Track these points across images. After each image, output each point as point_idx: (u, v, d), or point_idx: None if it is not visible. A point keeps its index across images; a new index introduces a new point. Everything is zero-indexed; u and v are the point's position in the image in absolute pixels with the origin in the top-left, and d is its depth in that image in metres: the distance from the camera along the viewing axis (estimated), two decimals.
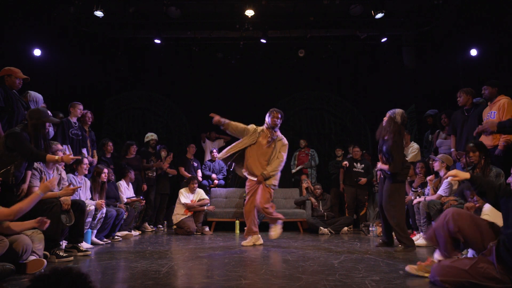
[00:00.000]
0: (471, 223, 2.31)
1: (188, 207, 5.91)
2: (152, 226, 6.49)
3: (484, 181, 2.36)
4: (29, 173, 3.51)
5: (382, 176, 4.27)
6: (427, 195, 4.87)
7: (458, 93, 4.75)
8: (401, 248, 3.92)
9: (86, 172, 4.55)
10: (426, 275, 2.50)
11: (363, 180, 6.46)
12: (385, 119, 4.12)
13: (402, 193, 4.16)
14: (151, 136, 6.77)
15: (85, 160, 4.50)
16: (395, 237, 4.23)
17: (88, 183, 4.62)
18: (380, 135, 4.19)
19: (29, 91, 4.44)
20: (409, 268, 2.63)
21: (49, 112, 3.70)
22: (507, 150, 3.99)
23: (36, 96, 4.48)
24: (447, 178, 4.53)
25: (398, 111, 4.07)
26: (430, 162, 5.07)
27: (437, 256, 2.53)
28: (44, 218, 2.77)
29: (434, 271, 2.29)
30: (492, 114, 4.18)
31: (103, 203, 4.45)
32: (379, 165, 4.20)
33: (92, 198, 4.60)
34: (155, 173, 6.60)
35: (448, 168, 4.79)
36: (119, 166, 6.11)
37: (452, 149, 4.93)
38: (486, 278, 2.03)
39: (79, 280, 1.13)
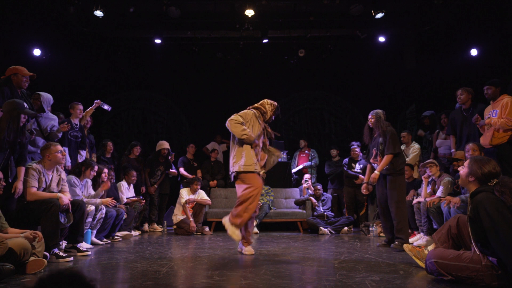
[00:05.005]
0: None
1: (185, 209, 5.90)
2: (161, 226, 6.49)
3: None
4: (22, 169, 3.39)
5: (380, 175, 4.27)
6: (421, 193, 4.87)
7: (460, 91, 4.74)
8: (398, 244, 3.95)
9: (91, 178, 4.57)
10: (416, 260, 2.86)
11: (360, 179, 6.43)
12: (372, 120, 4.31)
13: (403, 185, 4.22)
14: (164, 144, 6.62)
15: (96, 168, 4.53)
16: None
17: (90, 182, 4.63)
18: (369, 135, 4.36)
19: (39, 93, 4.43)
20: (405, 246, 2.99)
21: (25, 104, 3.49)
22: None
23: (48, 97, 4.50)
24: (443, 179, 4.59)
25: (379, 110, 4.34)
26: (423, 169, 5.00)
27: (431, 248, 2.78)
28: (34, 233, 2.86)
29: (430, 254, 2.51)
30: (494, 113, 4.20)
31: (109, 201, 4.50)
32: (375, 165, 4.23)
33: None
34: (158, 178, 6.62)
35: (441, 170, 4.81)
36: (120, 165, 6.10)
37: (453, 150, 4.91)
38: (470, 263, 2.34)
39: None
